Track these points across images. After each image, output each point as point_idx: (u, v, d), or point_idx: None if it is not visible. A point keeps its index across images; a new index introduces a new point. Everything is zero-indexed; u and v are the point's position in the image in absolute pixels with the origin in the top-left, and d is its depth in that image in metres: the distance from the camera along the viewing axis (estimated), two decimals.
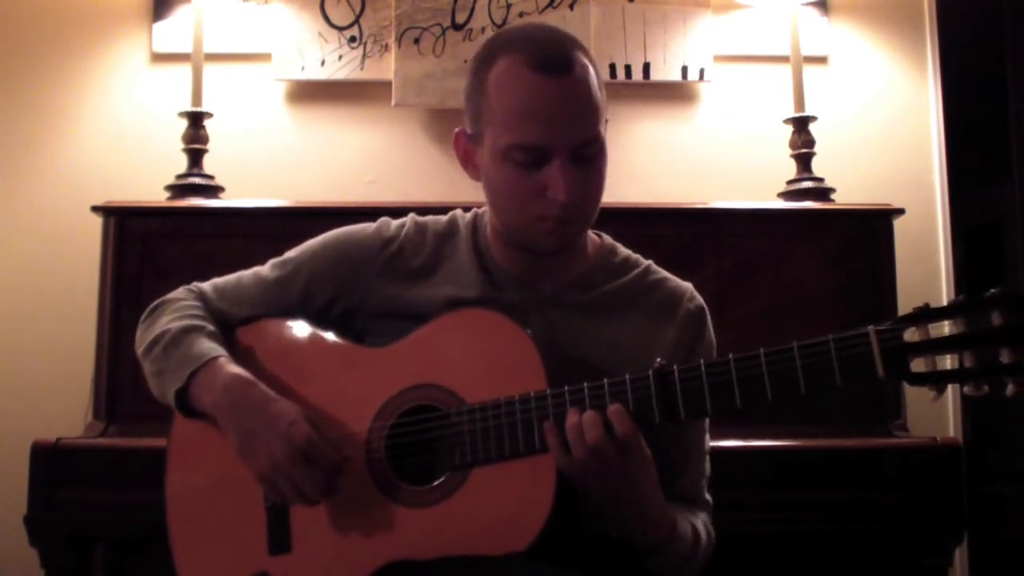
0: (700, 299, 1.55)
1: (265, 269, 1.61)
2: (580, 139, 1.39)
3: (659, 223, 2.43)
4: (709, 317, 1.55)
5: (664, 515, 1.39)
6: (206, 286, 1.62)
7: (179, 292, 1.61)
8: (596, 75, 1.43)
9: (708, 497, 1.55)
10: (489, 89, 1.42)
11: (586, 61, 1.42)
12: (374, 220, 1.60)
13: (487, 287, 1.51)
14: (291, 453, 1.38)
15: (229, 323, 1.57)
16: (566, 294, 1.51)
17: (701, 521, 1.49)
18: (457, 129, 1.51)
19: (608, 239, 1.59)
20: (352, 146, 2.80)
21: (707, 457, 1.56)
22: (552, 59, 1.39)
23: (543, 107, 1.38)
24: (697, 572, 1.46)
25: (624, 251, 1.59)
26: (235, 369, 1.47)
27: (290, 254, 1.61)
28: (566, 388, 1.33)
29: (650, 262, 1.58)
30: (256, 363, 1.50)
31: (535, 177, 1.40)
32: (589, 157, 1.41)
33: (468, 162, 1.50)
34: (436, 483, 1.38)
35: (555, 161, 1.38)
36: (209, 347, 1.49)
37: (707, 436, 1.56)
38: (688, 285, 1.56)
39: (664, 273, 1.57)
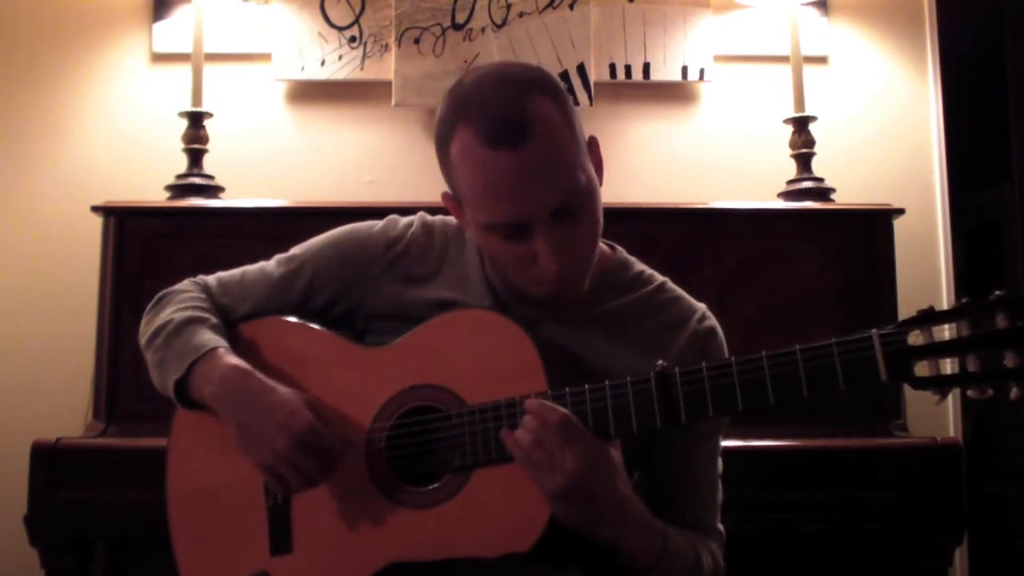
0: (713, 321, 1.48)
1: (270, 265, 1.60)
2: (556, 203, 1.31)
3: (659, 223, 2.43)
4: (722, 340, 1.48)
5: (650, 524, 1.35)
6: (211, 279, 1.61)
7: (184, 284, 1.61)
8: (565, 115, 1.33)
9: (720, 527, 1.48)
10: (454, 166, 1.36)
11: (550, 108, 1.32)
12: (374, 221, 1.58)
13: (489, 297, 1.49)
14: (293, 442, 1.37)
15: (231, 318, 1.57)
16: (568, 309, 1.46)
17: (707, 548, 1.42)
18: (443, 191, 1.45)
19: (621, 252, 1.53)
20: (352, 146, 2.80)
21: (719, 484, 1.49)
22: (505, 128, 1.29)
23: (505, 185, 1.30)
24: None
25: (639, 267, 1.52)
26: (234, 360, 1.46)
27: (296, 251, 1.60)
28: (567, 389, 1.32)
29: (665, 279, 1.51)
30: (256, 361, 1.49)
31: (523, 246, 1.34)
32: (573, 210, 1.33)
33: (460, 219, 1.46)
34: (437, 484, 1.38)
35: (536, 232, 1.32)
36: (210, 338, 1.49)
37: (719, 461, 1.49)
38: (702, 306, 1.49)
39: (679, 292, 1.50)
